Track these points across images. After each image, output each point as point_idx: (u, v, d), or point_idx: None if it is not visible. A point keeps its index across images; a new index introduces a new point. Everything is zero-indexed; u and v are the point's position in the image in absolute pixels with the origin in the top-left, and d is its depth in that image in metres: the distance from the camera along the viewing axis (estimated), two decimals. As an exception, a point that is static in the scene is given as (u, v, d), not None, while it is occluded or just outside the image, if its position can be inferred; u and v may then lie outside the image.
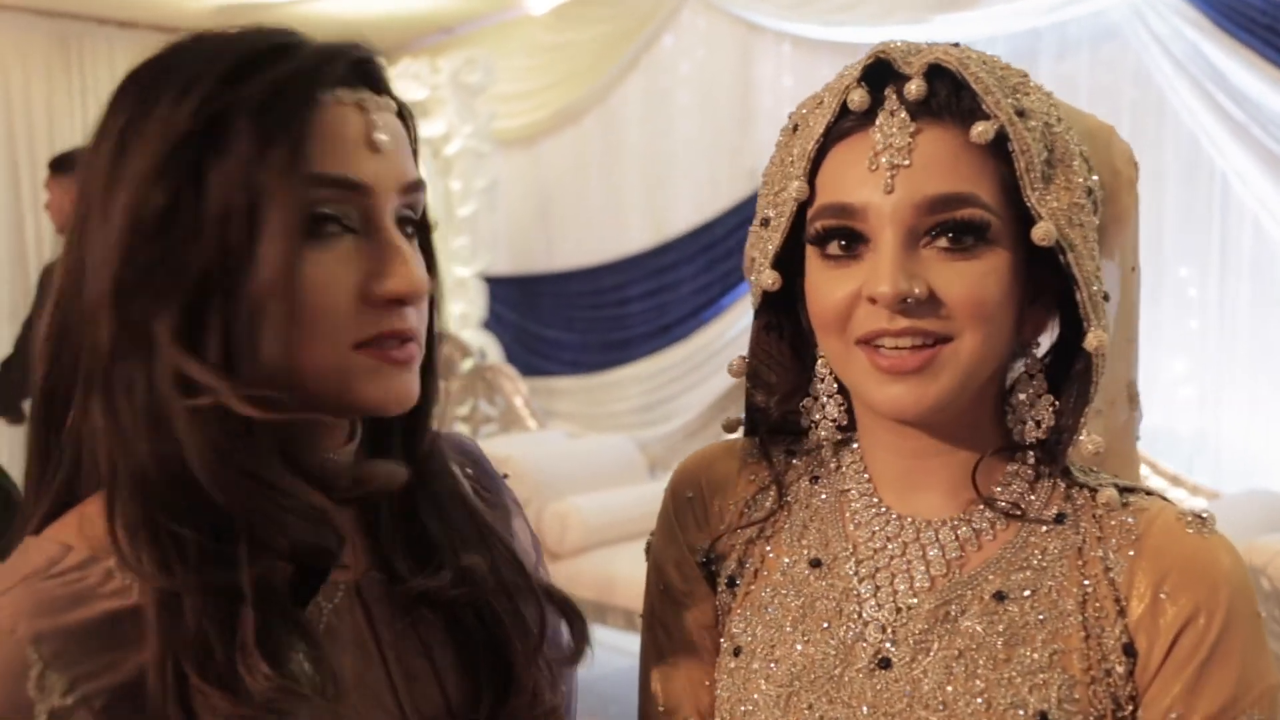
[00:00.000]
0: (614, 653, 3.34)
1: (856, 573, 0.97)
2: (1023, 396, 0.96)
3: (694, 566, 1.07)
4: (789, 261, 0.97)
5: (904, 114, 0.88)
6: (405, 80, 5.79)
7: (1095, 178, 0.94)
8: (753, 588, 1.03)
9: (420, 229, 0.91)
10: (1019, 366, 0.97)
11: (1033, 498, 0.96)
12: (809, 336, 1.01)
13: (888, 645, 0.93)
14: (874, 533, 0.98)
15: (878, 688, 0.92)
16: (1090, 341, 0.90)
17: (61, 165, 3.98)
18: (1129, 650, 0.89)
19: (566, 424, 6.08)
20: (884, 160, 0.88)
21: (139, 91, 0.84)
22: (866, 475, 1.02)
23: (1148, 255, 4.38)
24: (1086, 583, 0.92)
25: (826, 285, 0.92)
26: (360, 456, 0.93)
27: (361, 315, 0.83)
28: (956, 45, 0.92)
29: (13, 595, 0.76)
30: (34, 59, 6.12)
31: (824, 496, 1.04)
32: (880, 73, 0.91)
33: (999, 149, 0.88)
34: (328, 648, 0.83)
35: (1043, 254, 0.90)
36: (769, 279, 0.97)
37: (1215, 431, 4.32)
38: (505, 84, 6.32)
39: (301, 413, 0.81)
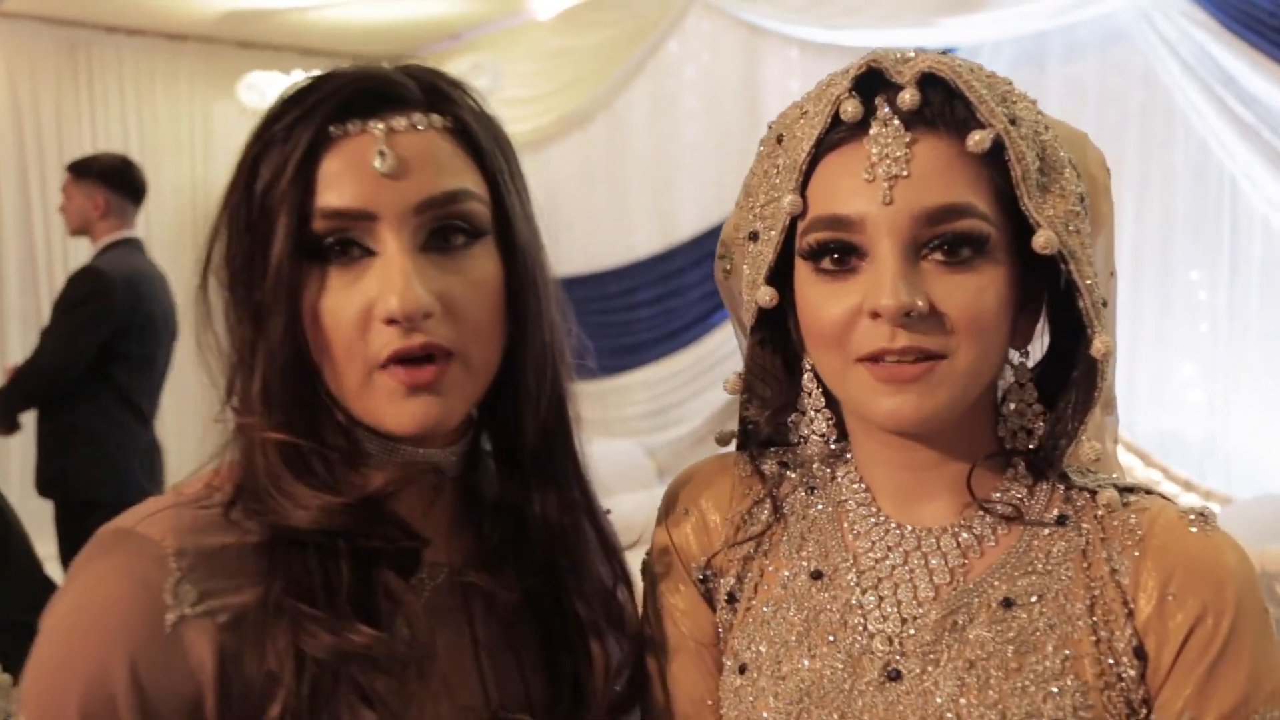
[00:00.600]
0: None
1: (859, 584, 0.96)
2: (1013, 406, 0.96)
3: (692, 584, 1.06)
4: (780, 275, 0.96)
5: (898, 123, 0.87)
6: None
7: (1083, 186, 0.93)
8: (753, 603, 1.02)
9: (503, 233, 0.96)
10: (1009, 375, 0.96)
11: (1033, 501, 0.95)
12: (800, 349, 1.00)
13: (896, 657, 0.92)
14: (874, 543, 0.97)
15: (889, 700, 0.91)
16: (1097, 348, 0.89)
17: (83, 169, 3.97)
18: (1139, 653, 0.88)
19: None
20: (881, 171, 0.86)
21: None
22: (863, 485, 1.00)
23: (1157, 259, 4.38)
24: (1093, 585, 0.91)
25: (822, 301, 0.90)
26: (460, 457, 1.01)
27: (374, 336, 0.89)
28: (945, 53, 0.91)
29: (164, 514, 0.89)
30: (43, 66, 6.15)
31: (821, 507, 1.02)
32: (870, 82, 0.89)
33: (993, 158, 0.87)
34: (424, 618, 0.93)
35: (1036, 263, 0.89)
36: (765, 296, 0.96)
37: (1225, 436, 4.29)
38: (511, 89, 6.32)
39: (305, 438, 0.91)
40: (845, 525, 1.00)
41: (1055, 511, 0.94)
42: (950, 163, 0.87)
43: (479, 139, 0.96)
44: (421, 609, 0.94)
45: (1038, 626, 0.89)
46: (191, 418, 4.26)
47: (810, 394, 1.01)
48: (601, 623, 1.04)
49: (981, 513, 0.95)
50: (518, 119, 6.38)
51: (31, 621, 0.87)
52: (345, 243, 0.90)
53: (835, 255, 0.89)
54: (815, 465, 1.05)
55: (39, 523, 5.34)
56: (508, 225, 0.97)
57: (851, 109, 0.88)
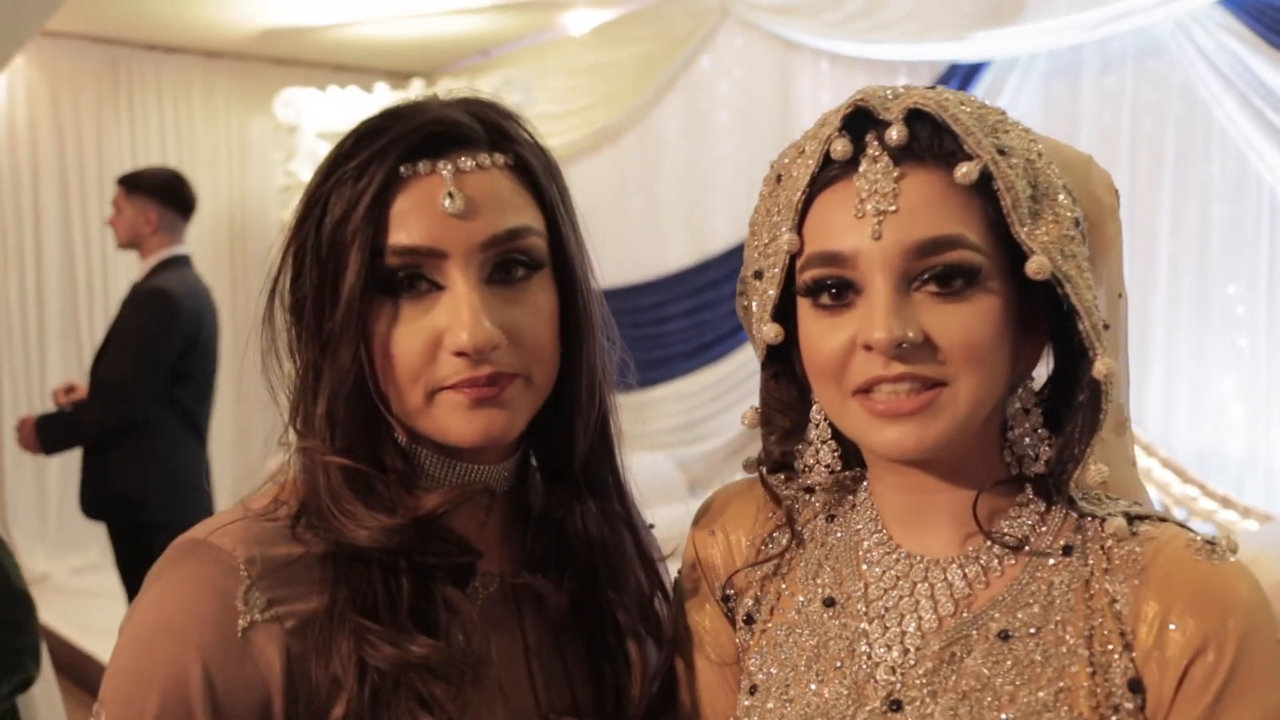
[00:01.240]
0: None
1: (866, 612, 0.97)
2: (1019, 431, 0.96)
3: (716, 604, 1.08)
4: (788, 311, 0.97)
5: (887, 159, 0.88)
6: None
7: (1080, 210, 0.93)
8: (769, 625, 1.03)
9: (559, 263, 1.03)
10: (1015, 401, 0.96)
11: (1043, 529, 0.95)
12: (807, 383, 1.01)
13: (898, 687, 0.92)
14: (884, 571, 0.98)
15: None
16: (1099, 370, 0.89)
17: (134, 184, 3.99)
18: (1135, 686, 0.86)
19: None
20: (870, 207, 0.88)
21: None
22: (876, 513, 1.01)
23: (1194, 273, 4.33)
24: (1092, 616, 0.89)
25: (820, 335, 0.92)
26: (512, 471, 1.07)
27: (442, 365, 0.95)
28: (933, 88, 0.92)
29: (234, 526, 0.95)
30: (85, 83, 6.25)
31: (839, 535, 1.04)
32: (861, 120, 0.91)
33: (984, 188, 0.88)
34: (480, 627, 0.99)
35: (1035, 288, 0.89)
36: (771, 333, 0.98)
37: (1266, 451, 4.23)
38: (544, 104, 6.36)
39: (366, 462, 0.96)
40: (860, 553, 1.01)
41: (1063, 541, 0.94)
42: (940, 195, 0.88)
43: (537, 174, 1.02)
44: (477, 617, 0.99)
45: (1034, 659, 0.89)
46: (228, 427, 4.30)
47: (817, 425, 1.02)
48: (640, 629, 1.07)
49: (989, 543, 0.95)
50: (550, 134, 6.35)
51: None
52: (414, 277, 0.96)
53: (832, 291, 0.91)
54: (835, 493, 1.07)
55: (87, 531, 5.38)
56: (563, 255, 1.03)
57: (841, 147, 0.90)
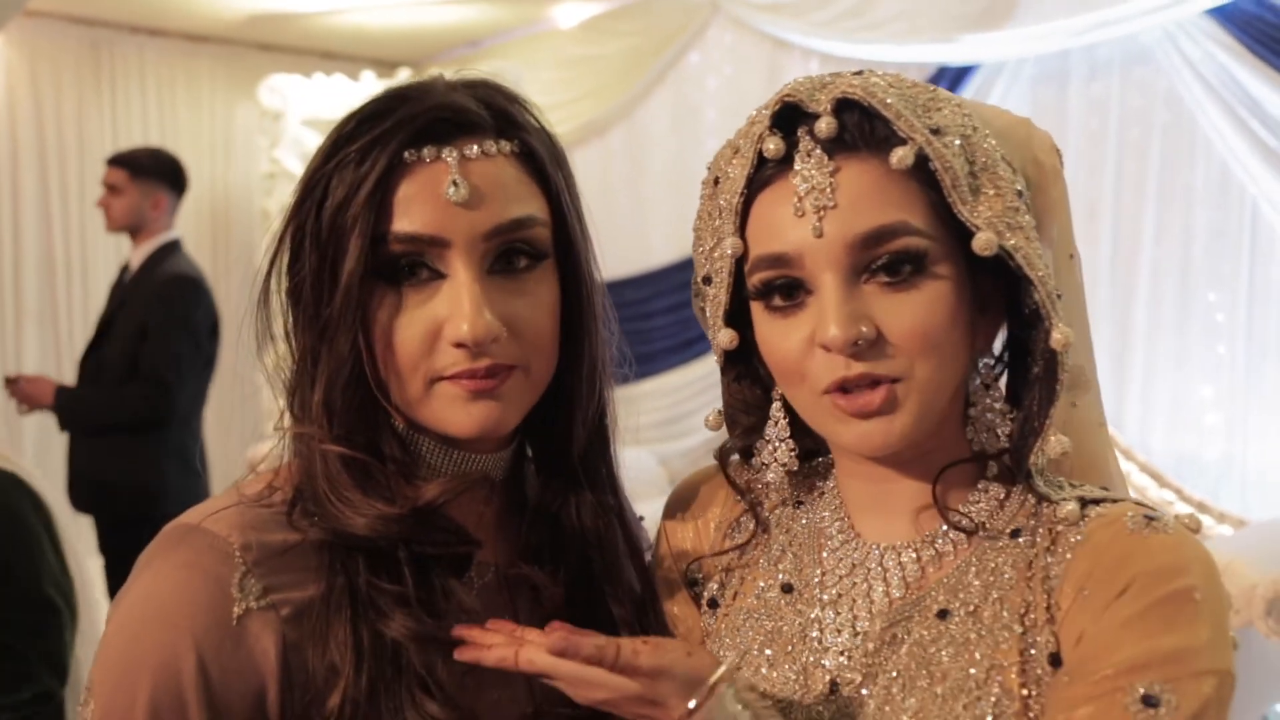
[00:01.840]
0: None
1: (820, 598, 0.97)
2: (980, 408, 0.95)
3: (684, 588, 1.09)
4: (744, 313, 0.96)
5: (820, 153, 0.87)
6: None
7: (1022, 179, 0.92)
8: (730, 610, 1.04)
9: (562, 253, 1.01)
10: (975, 378, 0.96)
11: (1001, 514, 0.94)
12: (769, 382, 1.01)
13: (844, 672, 0.92)
14: (840, 560, 0.98)
15: (833, 713, 0.92)
16: (1056, 340, 0.88)
17: (141, 167, 3.90)
18: (1054, 660, 0.85)
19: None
20: (808, 204, 0.87)
21: None
22: (840, 501, 1.01)
23: (1176, 280, 4.36)
24: (1030, 593, 0.89)
25: (777, 337, 0.91)
26: (508, 461, 1.06)
27: (441, 355, 0.94)
28: (860, 73, 0.90)
29: (229, 512, 0.93)
30: (65, 65, 6.18)
31: (804, 521, 1.04)
32: (791, 115, 0.89)
33: (922, 171, 0.86)
34: (479, 617, 0.96)
35: (986, 264, 0.88)
36: (726, 338, 0.97)
37: (1243, 458, 4.27)
38: (532, 96, 6.25)
39: (363, 450, 0.95)
40: (822, 540, 1.01)
41: (1014, 525, 0.93)
42: (878, 184, 0.87)
43: (544, 162, 1.01)
44: (477, 606, 0.98)
45: (969, 637, 0.89)
46: (210, 414, 4.25)
47: (776, 423, 1.01)
48: (634, 623, 1.07)
49: (944, 526, 0.94)
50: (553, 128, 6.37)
51: None
52: (415, 265, 0.94)
53: (782, 291, 0.90)
54: (804, 480, 1.06)
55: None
56: (568, 246, 1.02)
57: (774, 146, 0.89)
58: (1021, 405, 0.93)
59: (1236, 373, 4.27)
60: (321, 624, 0.91)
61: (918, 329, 0.87)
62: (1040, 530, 0.92)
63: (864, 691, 0.91)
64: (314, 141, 1.02)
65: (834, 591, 0.97)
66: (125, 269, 4.02)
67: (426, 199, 0.93)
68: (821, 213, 0.86)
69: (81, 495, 3.79)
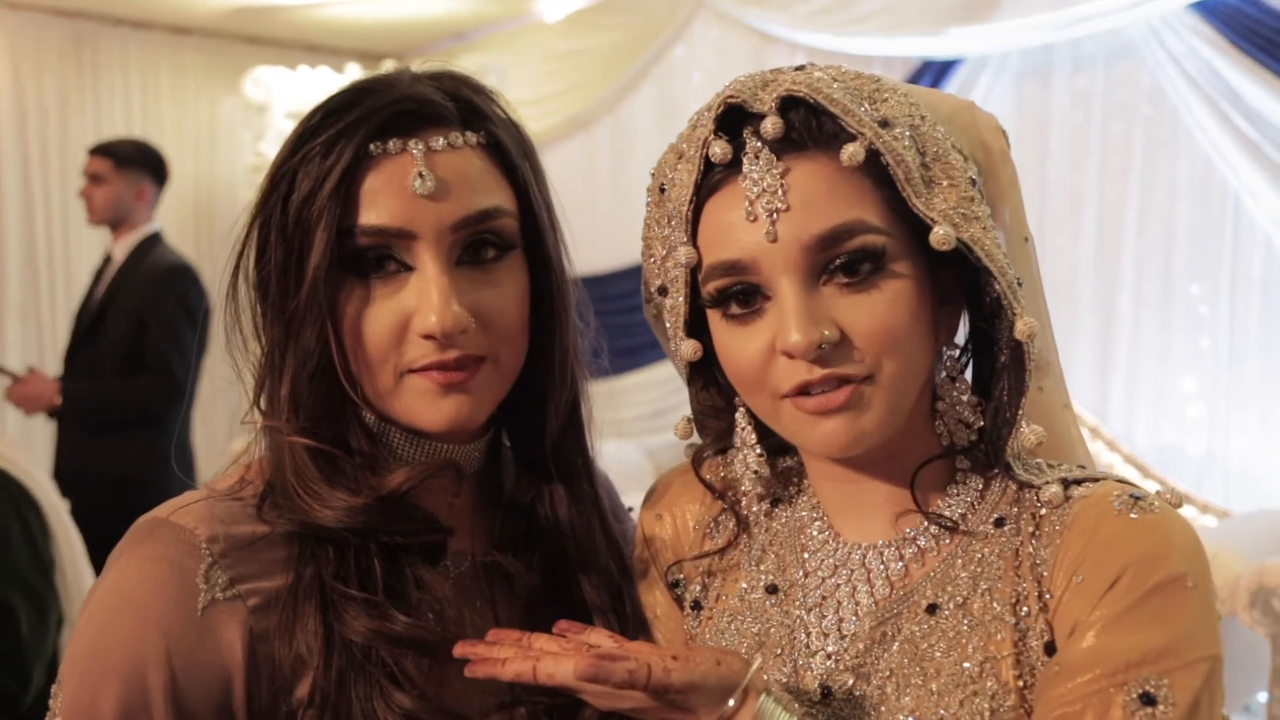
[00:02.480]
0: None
1: (805, 601, 0.96)
2: (948, 401, 0.93)
3: (666, 590, 1.07)
4: (700, 323, 0.94)
5: (768, 154, 0.85)
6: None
7: (974, 166, 0.90)
8: (714, 611, 1.02)
9: (531, 244, 1.01)
10: (941, 371, 0.94)
11: (981, 505, 0.93)
12: (731, 390, 0.98)
13: (835, 674, 0.91)
14: (822, 561, 0.97)
15: (827, 716, 0.91)
16: (1021, 330, 0.86)
17: (127, 157, 3.86)
18: (1050, 649, 0.84)
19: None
20: (760, 208, 0.84)
21: None
22: (817, 501, 1.00)
23: (1159, 272, 4.38)
24: (1019, 583, 0.87)
25: (737, 346, 0.89)
26: (482, 452, 1.05)
27: (410, 347, 0.94)
28: (802, 69, 0.88)
29: (197, 505, 0.94)
30: (48, 57, 6.13)
31: (784, 521, 1.03)
32: (736, 116, 0.87)
33: (873, 165, 0.84)
34: (453, 603, 0.99)
35: (945, 257, 0.86)
36: (689, 350, 0.95)
37: (1225, 450, 4.29)
38: (516, 90, 6.32)
39: (330, 442, 0.95)
40: (802, 540, 1.00)
41: (997, 515, 0.91)
42: (830, 182, 0.84)
43: (510, 154, 1.00)
44: (451, 594, 0.99)
45: (960, 629, 0.88)
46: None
47: (742, 429, 0.99)
48: (610, 608, 1.07)
49: (925, 523, 0.93)
50: (522, 120, 6.36)
51: None
52: (383, 258, 0.94)
53: (739, 299, 0.88)
54: (779, 479, 1.04)
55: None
56: (536, 237, 1.01)
57: (720, 150, 0.87)
58: (990, 396, 0.92)
59: (1219, 365, 4.29)
60: (289, 615, 0.91)
61: (881, 328, 0.85)
62: (1024, 517, 0.90)
63: (858, 693, 0.90)
64: (299, 135, 1.01)
65: (818, 594, 0.95)
66: (107, 261, 3.98)
67: (393, 191, 0.93)
68: (774, 216, 0.84)
69: (69, 486, 3.77)
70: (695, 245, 0.90)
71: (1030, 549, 0.88)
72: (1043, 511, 0.89)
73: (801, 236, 0.84)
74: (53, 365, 4.85)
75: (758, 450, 0.98)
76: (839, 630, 0.93)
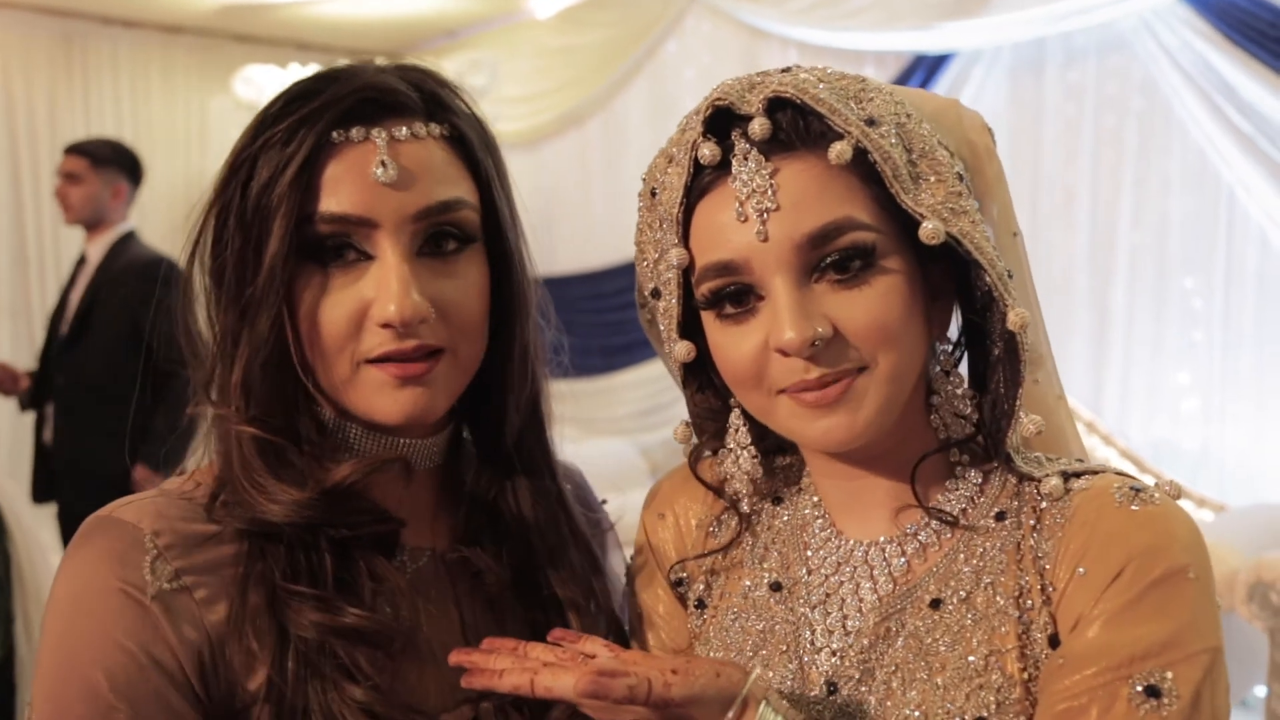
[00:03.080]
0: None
1: (809, 598, 0.96)
2: (944, 395, 0.94)
3: (669, 589, 1.07)
4: (695, 324, 0.95)
5: (756, 155, 0.86)
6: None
7: (960, 162, 0.91)
8: (718, 609, 1.03)
9: (492, 238, 1.00)
10: (935, 365, 0.95)
11: (982, 499, 0.93)
12: (726, 392, 0.99)
13: (840, 669, 0.92)
14: (825, 558, 0.97)
15: (834, 712, 0.91)
16: (1013, 321, 0.86)
17: (103, 156, 3.85)
18: (1054, 641, 0.85)
19: (567, 428, 6.03)
20: (750, 208, 0.85)
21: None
22: (818, 499, 1.01)
23: (1152, 266, 4.38)
24: (1022, 576, 0.88)
25: (731, 345, 0.89)
26: (442, 447, 1.05)
27: (368, 336, 0.93)
28: (788, 70, 0.89)
29: (145, 502, 0.94)
30: (37, 57, 6.12)
31: (786, 518, 1.03)
32: (723, 119, 0.88)
33: (862, 164, 0.85)
34: (408, 596, 0.98)
35: (935, 251, 0.87)
36: (683, 351, 0.95)
37: (1219, 444, 4.29)
38: (509, 87, 6.31)
39: (280, 433, 0.94)
40: (805, 538, 1.00)
41: (998, 508, 0.92)
42: (819, 181, 0.85)
43: (473, 146, 0.99)
44: (405, 586, 0.98)
45: (964, 624, 0.88)
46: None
47: (737, 430, 0.99)
48: (580, 601, 1.06)
49: (926, 518, 0.94)
50: (514, 117, 6.37)
51: None
52: (342, 246, 0.93)
53: (732, 299, 0.88)
54: (784, 474, 1.05)
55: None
56: (496, 231, 1.00)
57: (709, 152, 0.87)
58: (986, 389, 0.93)
59: (1213, 359, 4.29)
60: (239, 611, 0.91)
61: (875, 323, 0.86)
62: (1025, 510, 0.91)
63: (864, 689, 0.90)
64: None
65: (821, 591, 0.96)
66: (82, 262, 3.96)
67: (354, 179, 0.92)
68: (765, 215, 0.85)
69: (62, 485, 3.77)
70: (687, 247, 0.91)
71: (1032, 542, 0.89)
72: (1043, 505, 0.90)
73: (793, 235, 0.85)
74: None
75: (751, 451, 0.99)
76: (843, 627, 0.93)
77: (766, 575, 1.00)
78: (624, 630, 1.11)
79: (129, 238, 3.87)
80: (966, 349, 0.96)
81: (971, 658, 0.86)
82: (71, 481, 3.77)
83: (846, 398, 0.86)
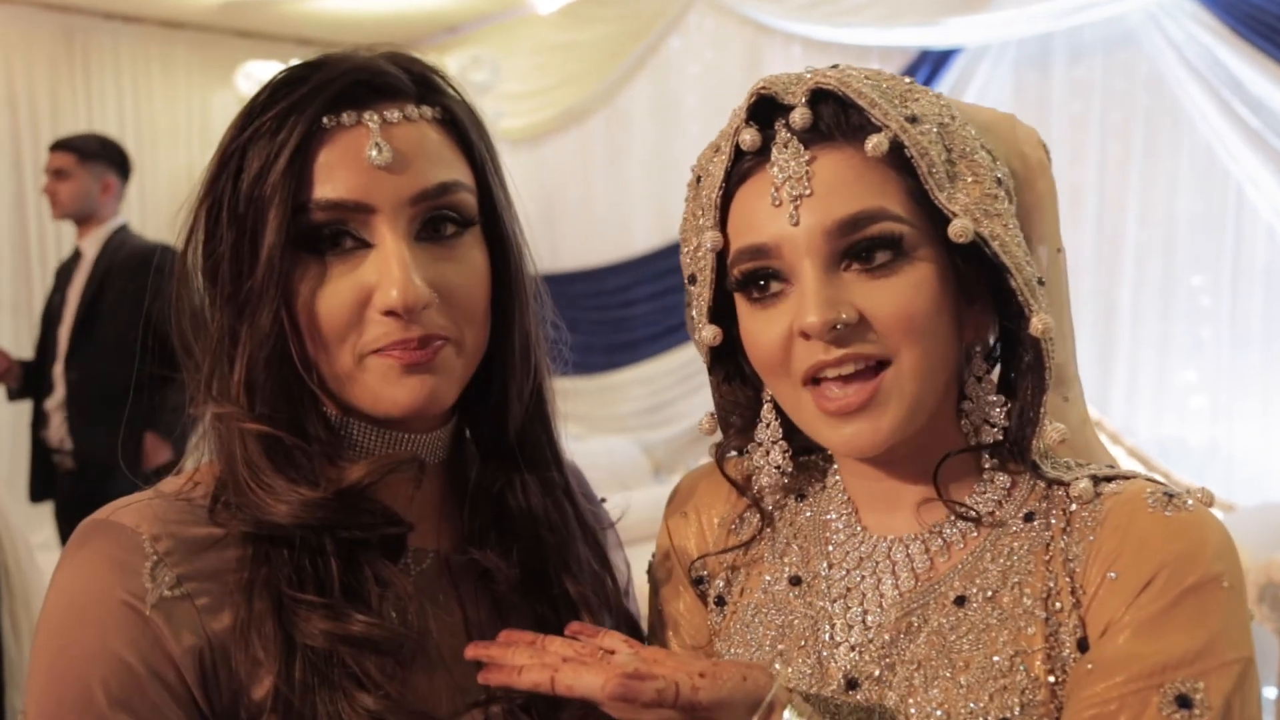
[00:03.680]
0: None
1: (829, 592, 0.96)
2: (973, 401, 0.95)
3: (690, 586, 1.08)
4: (728, 312, 0.96)
5: (796, 143, 0.88)
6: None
7: (1004, 168, 0.92)
8: (738, 605, 1.03)
9: (489, 222, 0.98)
10: (968, 370, 0.95)
11: (1010, 501, 0.94)
12: (757, 381, 1.00)
13: (860, 665, 0.92)
14: (848, 553, 0.98)
15: (852, 707, 0.91)
16: (1035, 326, 0.88)
17: (90, 151, 3.84)
18: (1083, 645, 0.85)
19: (570, 426, 6.02)
20: (785, 193, 0.87)
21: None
22: (846, 495, 1.01)
23: (1160, 263, 4.35)
24: (1050, 578, 0.88)
25: (759, 329, 0.91)
26: (446, 441, 1.03)
27: (371, 326, 0.91)
28: (836, 67, 0.91)
29: (142, 505, 0.91)
30: (39, 52, 6.10)
31: (808, 514, 1.03)
32: (768, 108, 0.90)
33: (899, 159, 0.87)
34: (415, 600, 0.95)
35: (969, 253, 0.88)
36: (710, 335, 0.98)
37: (1228, 442, 4.27)
38: (511, 83, 6.29)
39: (286, 430, 0.91)
40: (828, 533, 1.01)
41: (1027, 509, 0.93)
42: (855, 172, 0.87)
43: (466, 129, 0.98)
44: (412, 590, 0.96)
45: (989, 622, 0.88)
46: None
47: (769, 424, 1.00)
48: (593, 600, 1.05)
49: (951, 516, 0.94)
50: (516, 114, 6.35)
51: None
52: (339, 234, 0.91)
53: (762, 283, 0.90)
54: (808, 471, 1.06)
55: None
56: (494, 214, 0.99)
57: (750, 138, 0.90)
58: (1016, 395, 0.93)
59: (1221, 356, 4.27)
60: (243, 619, 0.88)
61: (902, 312, 0.86)
62: (1054, 512, 0.91)
63: (884, 686, 0.90)
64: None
65: (842, 586, 0.96)
66: (75, 257, 3.94)
67: (348, 164, 0.90)
68: (798, 201, 0.87)
69: (76, 482, 3.76)
70: (724, 232, 0.93)
71: (1062, 544, 0.89)
72: (1073, 507, 0.91)
73: (824, 221, 0.87)
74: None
75: (783, 446, 1.00)
76: (863, 622, 0.94)
77: (787, 569, 1.01)
78: (636, 625, 1.10)
79: (123, 230, 3.87)
80: (1001, 356, 0.96)
81: (996, 657, 0.86)
82: (86, 479, 3.74)
83: (873, 403, 0.87)
